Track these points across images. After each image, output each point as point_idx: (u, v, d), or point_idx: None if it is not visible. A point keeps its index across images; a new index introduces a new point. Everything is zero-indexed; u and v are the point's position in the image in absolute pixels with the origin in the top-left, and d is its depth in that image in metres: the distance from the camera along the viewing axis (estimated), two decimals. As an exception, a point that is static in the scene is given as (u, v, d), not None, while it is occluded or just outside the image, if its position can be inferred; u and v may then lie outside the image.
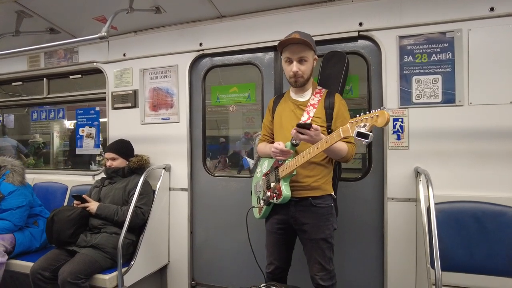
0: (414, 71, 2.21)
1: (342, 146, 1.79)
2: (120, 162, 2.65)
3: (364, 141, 1.41)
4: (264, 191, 1.99)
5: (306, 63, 1.85)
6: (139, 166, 2.71)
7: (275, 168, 1.91)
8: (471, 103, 2.08)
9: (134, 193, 2.48)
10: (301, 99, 1.97)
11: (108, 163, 2.66)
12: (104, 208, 2.44)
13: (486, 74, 2.06)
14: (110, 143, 2.79)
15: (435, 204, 1.79)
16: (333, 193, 1.96)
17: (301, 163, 1.74)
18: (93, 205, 2.44)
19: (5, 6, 2.61)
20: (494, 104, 2.03)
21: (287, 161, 1.82)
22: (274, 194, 1.87)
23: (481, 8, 2.06)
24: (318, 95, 1.95)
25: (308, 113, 1.89)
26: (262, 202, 1.99)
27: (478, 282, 1.95)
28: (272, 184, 1.90)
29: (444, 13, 2.13)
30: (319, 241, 1.86)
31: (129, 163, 2.68)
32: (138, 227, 2.49)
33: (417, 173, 2.13)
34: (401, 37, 2.23)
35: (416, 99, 2.20)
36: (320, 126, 1.83)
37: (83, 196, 2.49)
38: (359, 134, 1.42)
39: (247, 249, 2.13)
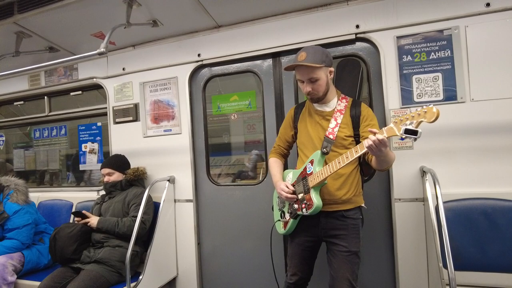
0: (414, 70, 2.20)
1: (391, 152, 1.68)
2: (116, 176, 2.69)
3: (413, 137, 1.38)
4: (290, 203, 1.91)
5: (318, 81, 1.77)
6: (136, 177, 2.75)
7: (302, 178, 1.83)
8: (473, 99, 2.07)
9: (134, 203, 2.52)
10: (327, 109, 1.89)
11: (105, 179, 2.69)
12: (104, 222, 2.44)
13: (486, 70, 2.05)
14: (104, 160, 2.81)
15: (443, 202, 1.77)
16: (363, 204, 1.90)
17: (337, 170, 1.65)
18: (93, 220, 2.45)
19: (4, 28, 2.64)
20: (497, 99, 2.02)
21: (317, 169, 1.74)
22: (304, 205, 1.77)
23: (477, 4, 2.07)
24: (344, 100, 1.89)
25: (335, 120, 1.83)
26: (288, 215, 1.91)
27: (492, 280, 1.91)
28: (300, 195, 1.80)
29: (440, 11, 2.14)
30: (352, 254, 1.77)
31: (126, 176, 2.71)
32: (140, 236, 2.48)
33: (423, 172, 2.11)
34: (399, 37, 2.23)
35: (417, 98, 2.19)
36: (347, 136, 1.81)
37: (83, 212, 2.51)
38: (407, 131, 1.39)
39: (256, 258, 2.12)
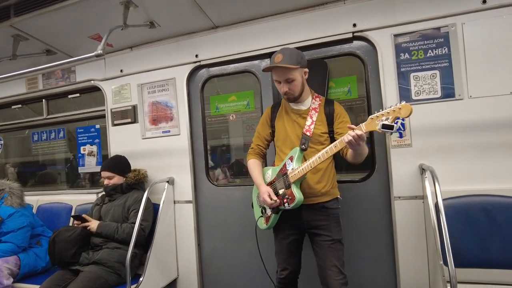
0: (411, 68, 2.21)
1: (366, 146, 1.77)
2: (117, 180, 2.64)
3: (390, 132, 1.51)
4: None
5: (294, 81, 1.85)
6: (137, 181, 2.70)
7: (283, 174, 1.89)
8: (471, 96, 2.07)
9: (134, 209, 2.49)
10: (303, 107, 1.98)
11: (105, 182, 2.65)
12: (104, 227, 2.42)
13: (484, 66, 2.05)
14: (105, 161, 2.77)
15: (443, 200, 1.77)
16: (339, 196, 1.99)
17: (317, 164, 1.75)
18: (93, 224, 2.44)
19: (1, 31, 2.63)
20: (495, 96, 2.02)
21: (296, 165, 1.83)
22: (286, 200, 1.84)
23: (473, 1, 2.07)
24: (318, 99, 1.99)
25: (311, 117, 1.92)
26: (269, 210, 1.96)
27: (493, 277, 1.91)
28: (281, 191, 1.87)
29: (437, 8, 2.14)
30: (336, 242, 1.88)
31: (126, 179, 2.66)
32: (139, 242, 2.46)
33: (422, 170, 2.11)
34: (396, 35, 2.23)
35: (415, 95, 2.19)
36: (323, 133, 1.90)
37: (83, 215, 2.49)
38: (384, 126, 1.51)
39: (256, 258, 2.11)
